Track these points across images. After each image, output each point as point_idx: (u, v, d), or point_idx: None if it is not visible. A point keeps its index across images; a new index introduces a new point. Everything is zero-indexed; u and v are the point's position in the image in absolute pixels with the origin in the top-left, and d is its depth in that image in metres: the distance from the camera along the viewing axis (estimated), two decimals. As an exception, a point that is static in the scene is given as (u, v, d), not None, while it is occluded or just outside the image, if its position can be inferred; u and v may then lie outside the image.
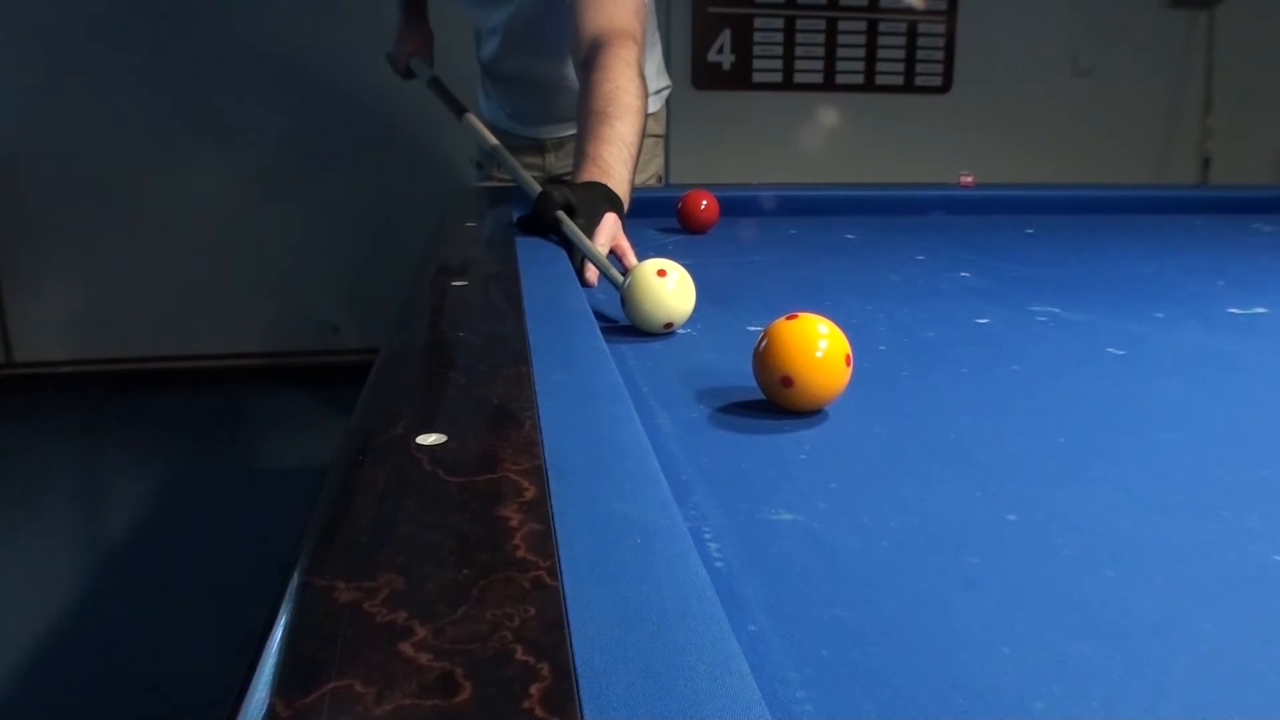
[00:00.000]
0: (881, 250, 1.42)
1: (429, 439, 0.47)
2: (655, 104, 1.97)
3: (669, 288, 0.85)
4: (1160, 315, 1.01)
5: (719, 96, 3.47)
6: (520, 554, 0.36)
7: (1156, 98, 3.76)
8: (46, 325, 3.23)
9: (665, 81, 1.98)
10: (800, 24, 3.50)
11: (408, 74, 2.11)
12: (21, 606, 1.95)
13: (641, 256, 0.99)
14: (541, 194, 1.16)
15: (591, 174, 1.23)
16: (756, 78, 3.51)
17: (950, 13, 3.57)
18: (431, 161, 3.27)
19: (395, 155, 3.28)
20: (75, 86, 3.07)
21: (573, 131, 1.87)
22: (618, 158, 1.28)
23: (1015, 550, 0.48)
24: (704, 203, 1.46)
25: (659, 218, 1.55)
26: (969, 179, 1.90)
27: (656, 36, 1.93)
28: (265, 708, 0.28)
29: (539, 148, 2.01)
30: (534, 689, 0.28)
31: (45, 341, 3.25)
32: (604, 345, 0.68)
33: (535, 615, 0.32)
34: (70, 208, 3.16)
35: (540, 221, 1.14)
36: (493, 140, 1.74)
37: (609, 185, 1.20)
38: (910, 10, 3.55)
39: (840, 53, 3.54)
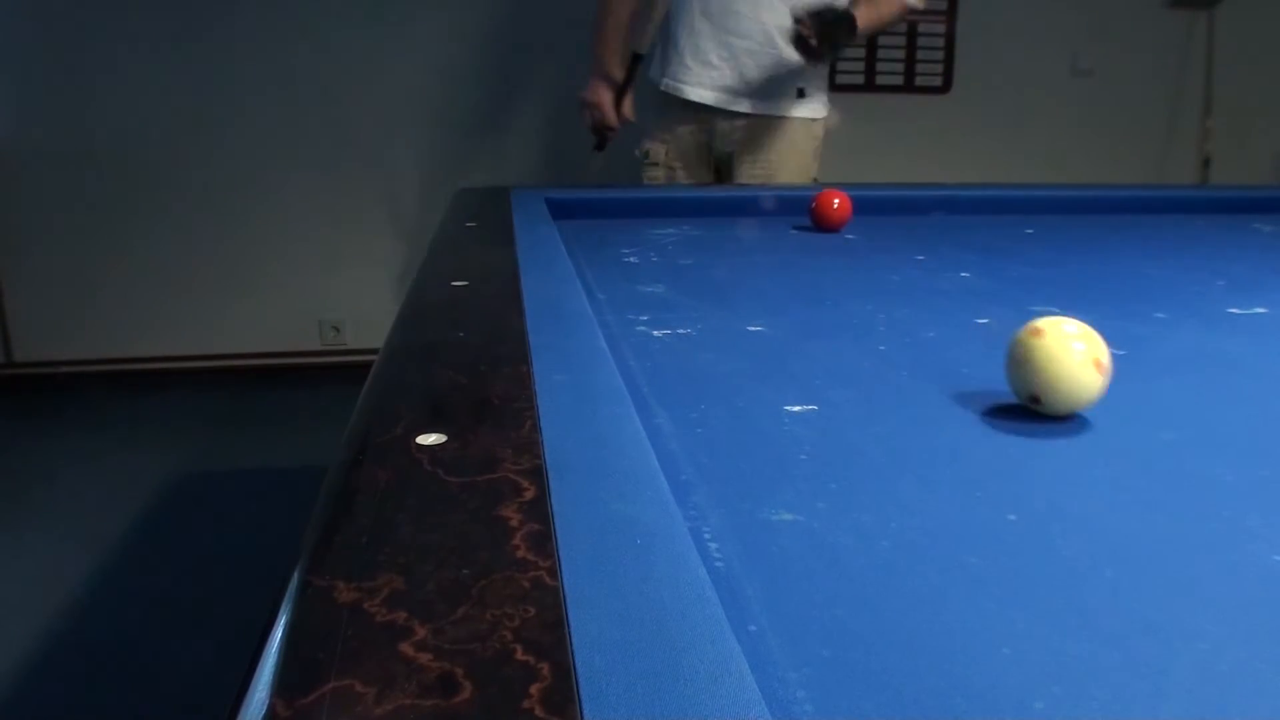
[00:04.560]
0: (881, 250, 1.42)
1: (429, 439, 0.47)
2: (821, 110, 2.22)
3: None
4: (1160, 315, 1.01)
5: (719, 96, 3.46)
6: (520, 554, 0.36)
7: (1156, 98, 3.76)
8: (46, 325, 3.23)
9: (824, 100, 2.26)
10: (800, 24, 3.49)
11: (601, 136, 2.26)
12: (22, 606, 1.95)
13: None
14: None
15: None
16: (756, 78, 3.50)
17: (950, 13, 3.57)
18: (433, 162, 3.27)
19: (396, 156, 3.28)
20: (76, 86, 3.07)
21: (749, 112, 2.14)
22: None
23: (1015, 550, 0.48)
24: (836, 201, 1.52)
25: (793, 216, 1.60)
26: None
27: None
28: (265, 708, 0.28)
29: (706, 118, 2.18)
30: (534, 689, 0.28)
31: (45, 341, 3.25)
32: (604, 345, 0.68)
33: (535, 615, 0.32)
34: (71, 208, 3.16)
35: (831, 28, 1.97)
36: None
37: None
38: (910, 10, 3.55)
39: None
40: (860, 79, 3.58)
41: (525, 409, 0.52)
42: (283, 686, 0.29)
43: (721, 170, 2.24)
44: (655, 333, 0.88)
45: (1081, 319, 0.68)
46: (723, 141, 2.18)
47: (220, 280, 3.30)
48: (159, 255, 3.25)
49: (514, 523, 0.39)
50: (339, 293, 3.36)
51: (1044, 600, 0.43)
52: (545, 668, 0.29)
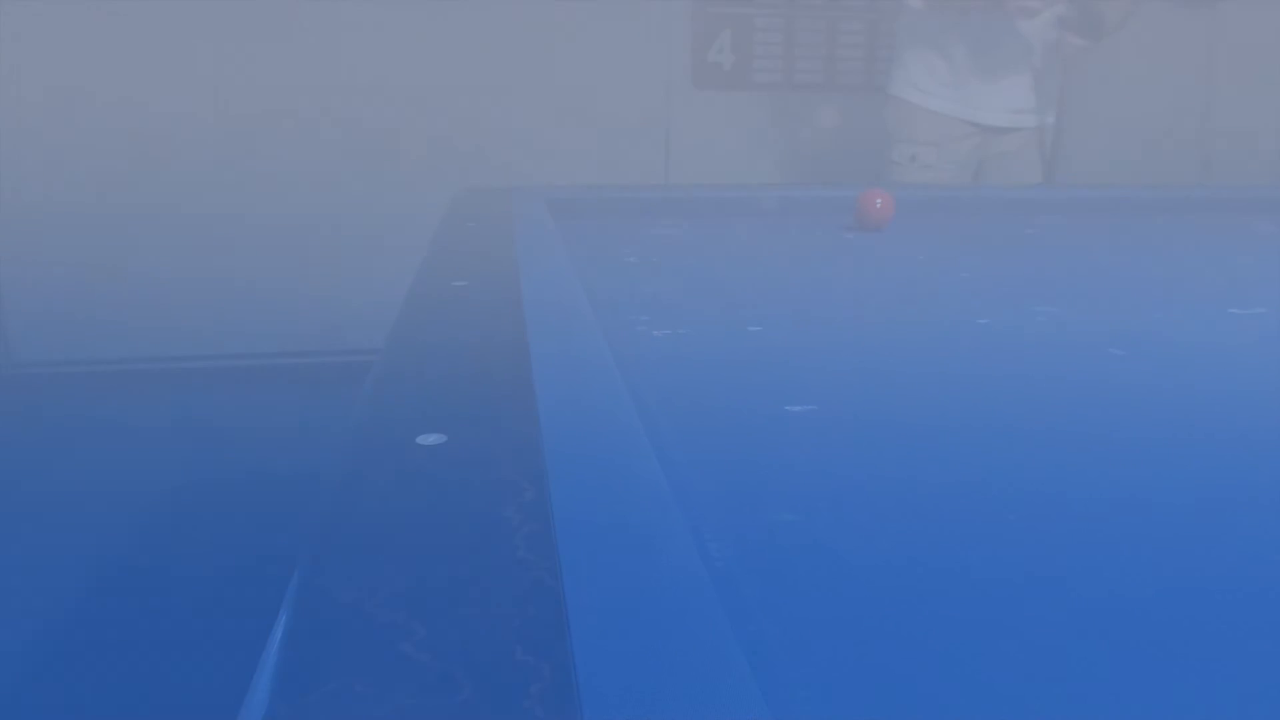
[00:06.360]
0: (881, 250, 1.42)
1: (429, 439, 0.47)
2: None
3: None
4: (1160, 315, 1.01)
5: (719, 96, 3.47)
6: (520, 554, 0.36)
7: (1157, 98, 3.76)
8: (46, 325, 3.23)
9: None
10: (800, 24, 3.49)
11: None
12: (21, 606, 1.95)
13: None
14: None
15: None
16: (756, 78, 3.51)
17: (950, 13, 3.57)
18: (433, 162, 3.27)
19: (396, 155, 3.28)
20: (75, 86, 3.07)
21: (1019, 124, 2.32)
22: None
23: (1015, 550, 0.48)
24: (879, 201, 1.53)
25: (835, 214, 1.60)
26: None
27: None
28: (265, 708, 0.28)
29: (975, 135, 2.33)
30: (534, 689, 0.28)
31: (45, 341, 3.24)
32: (604, 345, 0.68)
33: (535, 615, 0.32)
34: (71, 208, 3.16)
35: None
36: None
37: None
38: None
39: (840, 53, 3.54)
40: (861, 79, 3.57)
41: (525, 409, 0.52)
42: (283, 686, 0.29)
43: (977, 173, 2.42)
44: (655, 333, 0.88)
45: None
46: (994, 148, 2.36)
47: (220, 280, 3.29)
48: (159, 255, 3.25)
49: (514, 523, 0.39)
50: (339, 292, 3.36)
51: (1044, 600, 0.43)
52: (545, 668, 0.29)
